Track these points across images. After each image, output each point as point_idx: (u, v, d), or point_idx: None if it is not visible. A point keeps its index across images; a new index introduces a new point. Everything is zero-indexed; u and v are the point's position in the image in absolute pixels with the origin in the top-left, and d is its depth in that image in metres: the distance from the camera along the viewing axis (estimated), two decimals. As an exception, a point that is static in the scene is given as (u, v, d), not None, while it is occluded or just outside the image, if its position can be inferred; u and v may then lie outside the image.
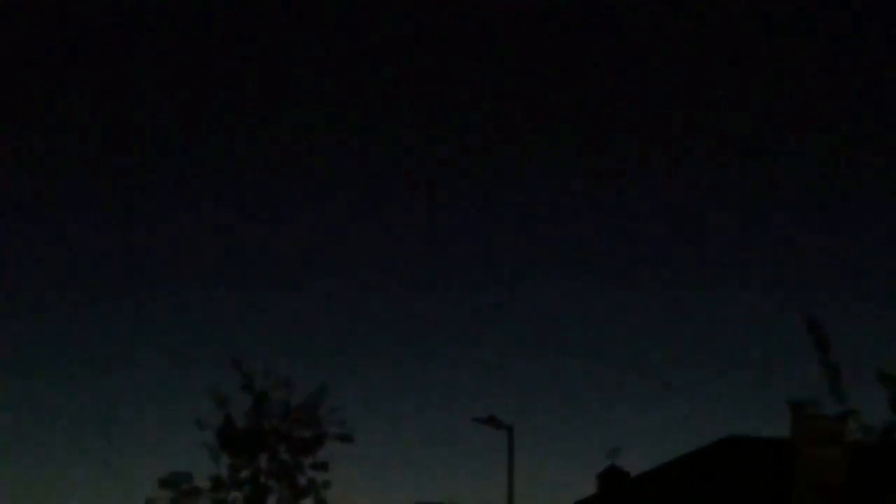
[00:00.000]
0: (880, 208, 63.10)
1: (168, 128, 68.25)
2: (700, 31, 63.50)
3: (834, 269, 63.37)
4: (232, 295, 65.97)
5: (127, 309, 66.58)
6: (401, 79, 66.84)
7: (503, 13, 63.27)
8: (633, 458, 44.41)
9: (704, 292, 65.91)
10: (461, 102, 67.26)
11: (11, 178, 65.95)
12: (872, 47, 63.15)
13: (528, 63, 65.41)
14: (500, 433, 33.27)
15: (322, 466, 30.41)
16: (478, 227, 68.41)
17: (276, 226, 68.91)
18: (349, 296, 68.50)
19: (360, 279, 68.01)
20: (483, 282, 68.90)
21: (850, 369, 22.10)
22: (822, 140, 65.23)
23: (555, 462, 63.40)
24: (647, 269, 66.45)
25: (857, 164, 63.47)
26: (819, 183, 65.81)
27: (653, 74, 64.71)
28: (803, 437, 29.67)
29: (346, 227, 68.12)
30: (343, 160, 67.66)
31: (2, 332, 66.65)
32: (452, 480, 70.91)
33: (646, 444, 71.20)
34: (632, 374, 65.91)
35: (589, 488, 36.83)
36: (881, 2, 57.15)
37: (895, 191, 63.96)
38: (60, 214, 67.78)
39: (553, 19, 62.73)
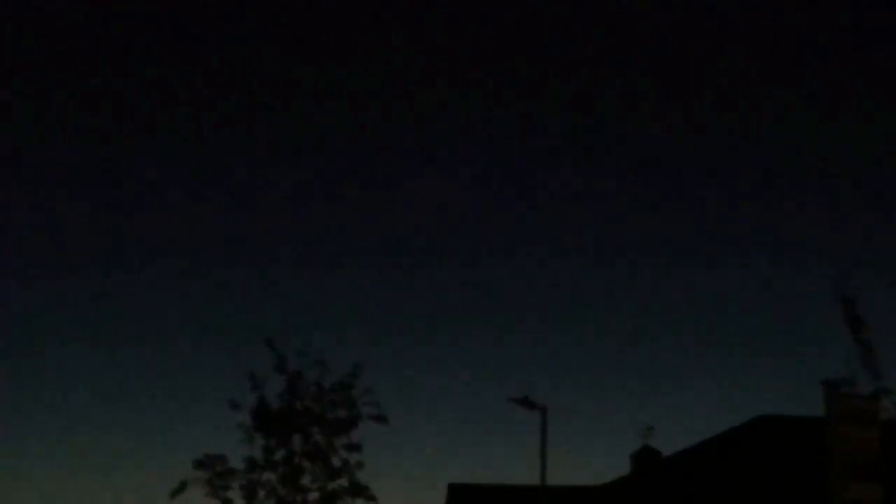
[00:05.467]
0: None
1: (200, 105, 68.30)
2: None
3: (867, 246, 62.48)
4: (266, 275, 65.78)
5: (160, 289, 66.51)
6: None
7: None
8: (666, 439, 44.15)
9: (736, 271, 65.06)
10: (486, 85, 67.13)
11: (43, 155, 66.28)
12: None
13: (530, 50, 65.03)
14: (534, 414, 33.28)
15: (356, 447, 30.13)
16: (513, 209, 67.99)
17: (309, 206, 68.72)
18: (383, 276, 68.19)
19: (394, 259, 67.78)
20: (517, 263, 68.42)
21: (883, 347, 21.70)
22: (852, 117, 64.41)
23: (588, 442, 62.66)
24: (680, 249, 65.75)
25: (890, 140, 62.59)
26: (850, 159, 64.97)
27: (678, 44, 64.14)
28: (837, 417, 29.33)
29: (381, 208, 67.88)
30: (375, 140, 67.48)
31: (35, 314, 66.96)
32: (486, 461, 69.94)
33: (679, 424, 70.30)
34: (664, 355, 65.14)
35: (622, 468, 37.16)
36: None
37: None
38: (95, 192, 67.96)
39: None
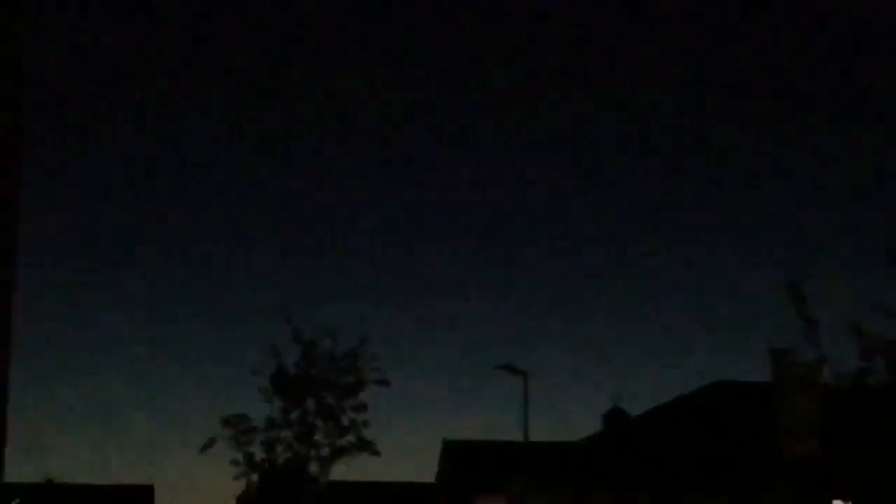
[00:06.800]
0: (855, 183, 64.91)
1: (214, 92, 69.92)
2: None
3: (815, 235, 65.09)
4: (284, 256, 68.52)
5: (198, 271, 69.39)
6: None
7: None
8: (634, 401, 45.77)
9: (699, 255, 67.66)
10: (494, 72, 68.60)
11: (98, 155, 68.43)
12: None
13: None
14: (517, 379, 32.55)
15: (362, 408, 30.86)
16: (502, 196, 70.19)
17: (324, 198, 71.06)
18: (389, 259, 70.66)
19: (402, 244, 70.27)
20: (505, 247, 70.81)
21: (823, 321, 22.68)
22: (813, 121, 66.55)
23: (565, 404, 65.14)
24: (650, 234, 68.15)
25: (833, 147, 64.78)
26: (803, 160, 67.29)
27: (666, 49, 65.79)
28: (783, 381, 30.20)
29: (388, 197, 70.11)
30: (382, 126, 69.19)
31: (94, 291, 69.71)
32: (475, 420, 73.00)
33: (646, 388, 73.07)
34: (634, 327, 67.74)
35: (595, 426, 37.76)
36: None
37: (866, 168, 65.61)
38: (139, 180, 70.14)
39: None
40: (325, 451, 30.79)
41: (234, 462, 30.64)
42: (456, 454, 47.85)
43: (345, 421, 30.78)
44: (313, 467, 30.92)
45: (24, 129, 14.52)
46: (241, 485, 31.67)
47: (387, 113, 68.98)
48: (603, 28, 63.87)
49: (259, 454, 30.68)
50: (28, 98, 14.70)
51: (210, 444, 30.56)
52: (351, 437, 30.75)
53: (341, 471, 32.73)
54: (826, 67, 65.32)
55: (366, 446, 30.83)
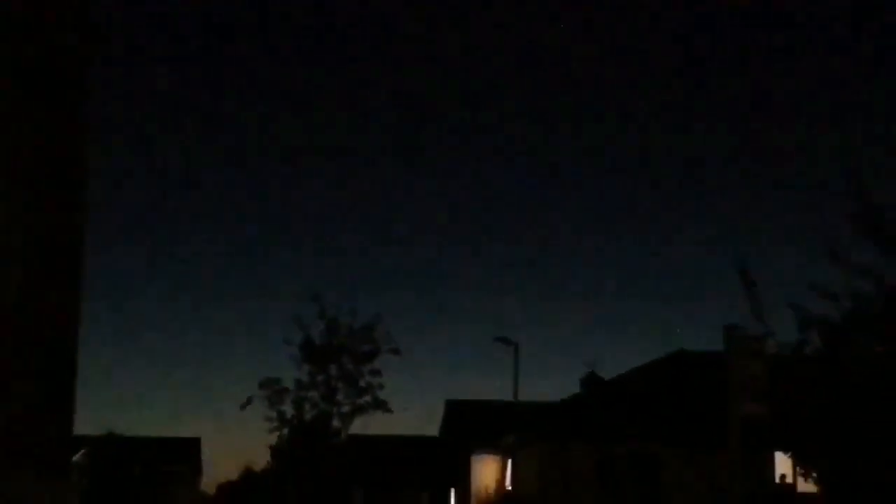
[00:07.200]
0: (797, 174, 68.56)
1: (250, 92, 73.35)
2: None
3: (757, 223, 69.12)
4: (314, 246, 73.44)
5: (242, 258, 74.68)
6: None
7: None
8: (607, 367, 49.06)
9: (665, 242, 72.00)
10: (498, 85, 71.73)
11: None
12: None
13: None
14: (509, 348, 36.09)
15: (377, 373, 33.27)
16: (500, 193, 74.32)
17: (344, 197, 75.47)
18: (402, 247, 75.38)
19: (410, 236, 74.74)
20: (500, 240, 75.22)
21: (768, 299, 25.82)
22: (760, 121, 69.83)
23: (549, 369, 69.99)
24: (625, 224, 72.26)
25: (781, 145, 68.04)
26: (746, 155, 70.98)
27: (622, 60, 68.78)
28: (734, 353, 31.59)
29: (399, 198, 74.37)
30: (406, 128, 72.97)
31: (144, 274, 74.95)
32: (474, 383, 78.69)
33: (618, 356, 78.56)
34: (608, 304, 72.41)
35: (574, 389, 40.39)
36: None
37: (809, 161, 68.75)
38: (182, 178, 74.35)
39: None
40: (346, 409, 33.09)
41: (269, 418, 33.16)
42: (457, 412, 51.45)
43: (362, 384, 33.11)
44: (336, 423, 33.17)
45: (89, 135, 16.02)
46: (274, 437, 34.58)
47: (400, 116, 73.19)
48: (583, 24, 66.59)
49: (290, 412, 33.16)
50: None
51: (248, 402, 33.19)
52: (367, 398, 33.01)
53: (359, 425, 34.05)
54: (778, 57, 68.54)
55: (380, 405, 33.08)
